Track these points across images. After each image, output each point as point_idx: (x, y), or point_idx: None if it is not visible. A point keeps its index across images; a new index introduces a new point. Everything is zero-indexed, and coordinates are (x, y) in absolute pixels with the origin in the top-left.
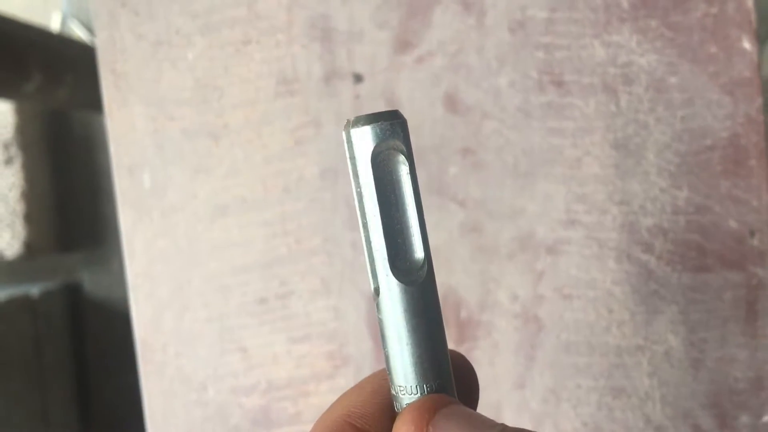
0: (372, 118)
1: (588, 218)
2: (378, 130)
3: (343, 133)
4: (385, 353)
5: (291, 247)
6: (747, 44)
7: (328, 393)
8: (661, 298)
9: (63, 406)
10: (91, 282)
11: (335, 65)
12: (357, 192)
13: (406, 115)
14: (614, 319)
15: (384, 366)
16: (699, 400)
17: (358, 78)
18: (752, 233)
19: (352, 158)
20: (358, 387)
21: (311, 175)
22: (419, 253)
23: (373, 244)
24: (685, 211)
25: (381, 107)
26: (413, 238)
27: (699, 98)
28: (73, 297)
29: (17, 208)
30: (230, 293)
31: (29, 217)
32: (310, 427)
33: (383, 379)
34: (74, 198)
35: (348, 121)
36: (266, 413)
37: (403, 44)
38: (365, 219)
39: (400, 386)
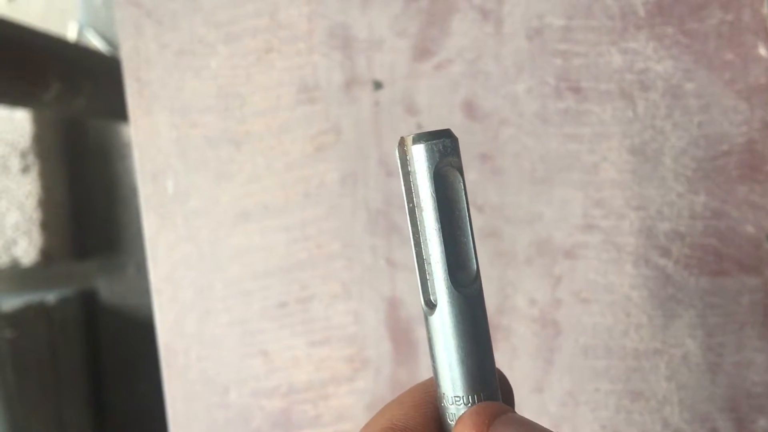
0: (432, 136)
1: (605, 223)
2: (440, 147)
3: (398, 150)
4: (437, 365)
5: (311, 252)
6: (763, 51)
7: (347, 396)
8: (679, 302)
9: (78, 411)
10: (107, 289)
11: (355, 73)
12: (411, 207)
13: (425, 122)
14: (632, 323)
15: (420, 380)
16: (717, 404)
17: (377, 85)
18: None
19: (409, 174)
20: (399, 401)
21: (331, 181)
22: (473, 264)
23: (432, 258)
24: (702, 215)
25: (400, 114)
26: (469, 251)
27: (715, 104)
28: (88, 304)
29: (34, 216)
30: (252, 297)
31: (46, 225)
32: (330, 429)
33: (423, 392)
34: (90, 206)
35: (403, 138)
36: (287, 416)
37: (422, 52)
38: (421, 234)
39: (456, 397)
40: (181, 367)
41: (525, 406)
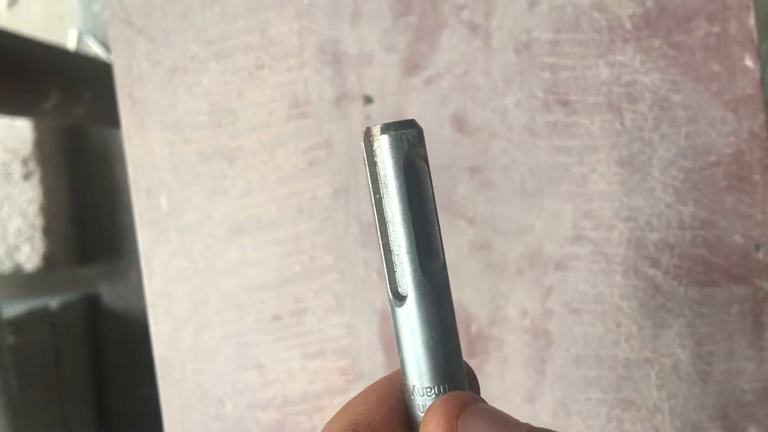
0: (398, 126)
1: (595, 234)
2: (408, 137)
3: (364, 141)
4: (404, 356)
5: (305, 266)
6: (749, 62)
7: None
8: (669, 312)
9: (82, 415)
10: (109, 294)
11: (346, 88)
12: (378, 198)
13: None
14: (622, 333)
15: (386, 373)
16: (707, 412)
17: (368, 100)
18: (757, 247)
19: (375, 165)
20: (363, 396)
21: (324, 195)
22: (441, 254)
23: (402, 248)
24: (691, 226)
25: None
26: (437, 240)
27: (703, 115)
28: (91, 309)
29: (36, 222)
30: (246, 311)
31: (48, 231)
32: None
33: (388, 386)
34: (92, 211)
35: (369, 129)
36: (282, 428)
37: (411, 66)
38: (389, 224)
39: (426, 388)
40: (177, 380)
41: (517, 415)
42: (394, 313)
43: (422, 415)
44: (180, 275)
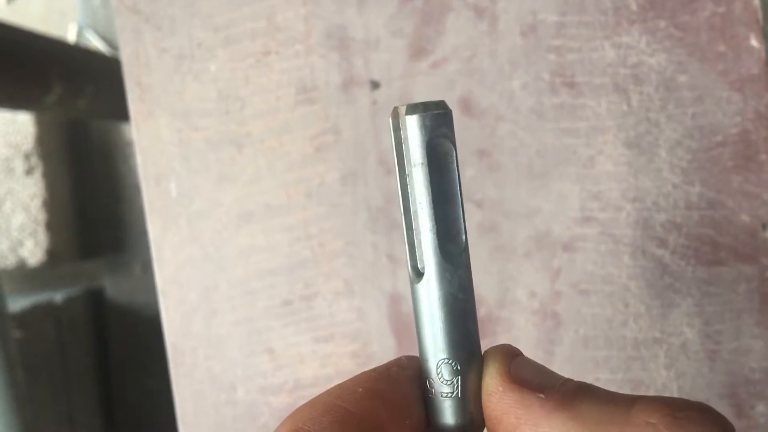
0: (425, 107)
1: (603, 215)
2: (434, 118)
3: (392, 120)
4: (424, 331)
5: (314, 251)
6: (755, 42)
7: None
8: (677, 292)
9: (87, 409)
10: (114, 287)
11: (352, 73)
12: (403, 177)
13: None
14: (631, 313)
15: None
16: (716, 391)
17: (375, 85)
18: (764, 226)
19: (401, 144)
20: (310, 404)
21: (332, 180)
22: (462, 236)
23: (422, 228)
24: (698, 206)
25: None
26: (458, 222)
27: (709, 96)
28: (95, 303)
29: (39, 217)
30: (256, 296)
31: (51, 225)
32: None
33: (336, 397)
34: (95, 205)
35: (397, 108)
36: None
37: (418, 51)
38: (411, 203)
39: (444, 359)
40: (189, 366)
41: None
42: (412, 287)
43: (440, 389)
44: (190, 262)
